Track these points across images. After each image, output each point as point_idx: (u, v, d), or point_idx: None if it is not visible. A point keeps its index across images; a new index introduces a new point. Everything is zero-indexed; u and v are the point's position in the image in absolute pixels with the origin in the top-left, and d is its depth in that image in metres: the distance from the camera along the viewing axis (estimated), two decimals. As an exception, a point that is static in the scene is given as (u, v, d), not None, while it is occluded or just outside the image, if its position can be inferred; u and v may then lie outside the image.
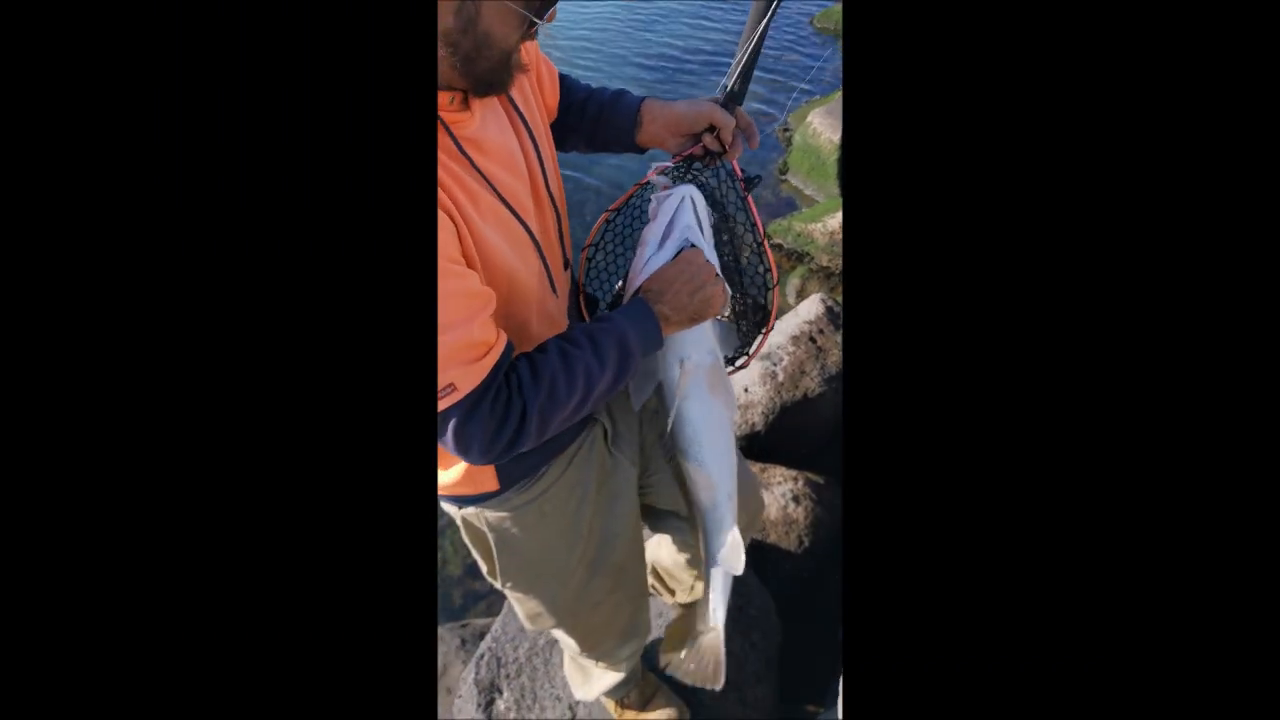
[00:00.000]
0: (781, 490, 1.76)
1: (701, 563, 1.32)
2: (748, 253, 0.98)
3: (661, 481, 1.12)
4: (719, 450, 0.94)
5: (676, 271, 0.81)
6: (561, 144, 1.02)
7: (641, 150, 1.00)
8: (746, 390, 1.91)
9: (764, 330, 0.95)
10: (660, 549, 1.31)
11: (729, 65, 0.94)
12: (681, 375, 0.88)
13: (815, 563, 1.73)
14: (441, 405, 0.65)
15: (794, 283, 2.81)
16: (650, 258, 0.84)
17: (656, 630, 1.52)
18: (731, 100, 0.93)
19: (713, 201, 0.97)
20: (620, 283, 0.94)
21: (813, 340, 2.00)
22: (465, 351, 0.66)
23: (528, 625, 1.09)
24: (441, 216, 0.66)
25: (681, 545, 1.29)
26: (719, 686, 1.09)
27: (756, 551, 1.71)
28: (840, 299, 2.34)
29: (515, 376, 0.71)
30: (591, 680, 1.31)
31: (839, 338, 2.01)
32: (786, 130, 3.83)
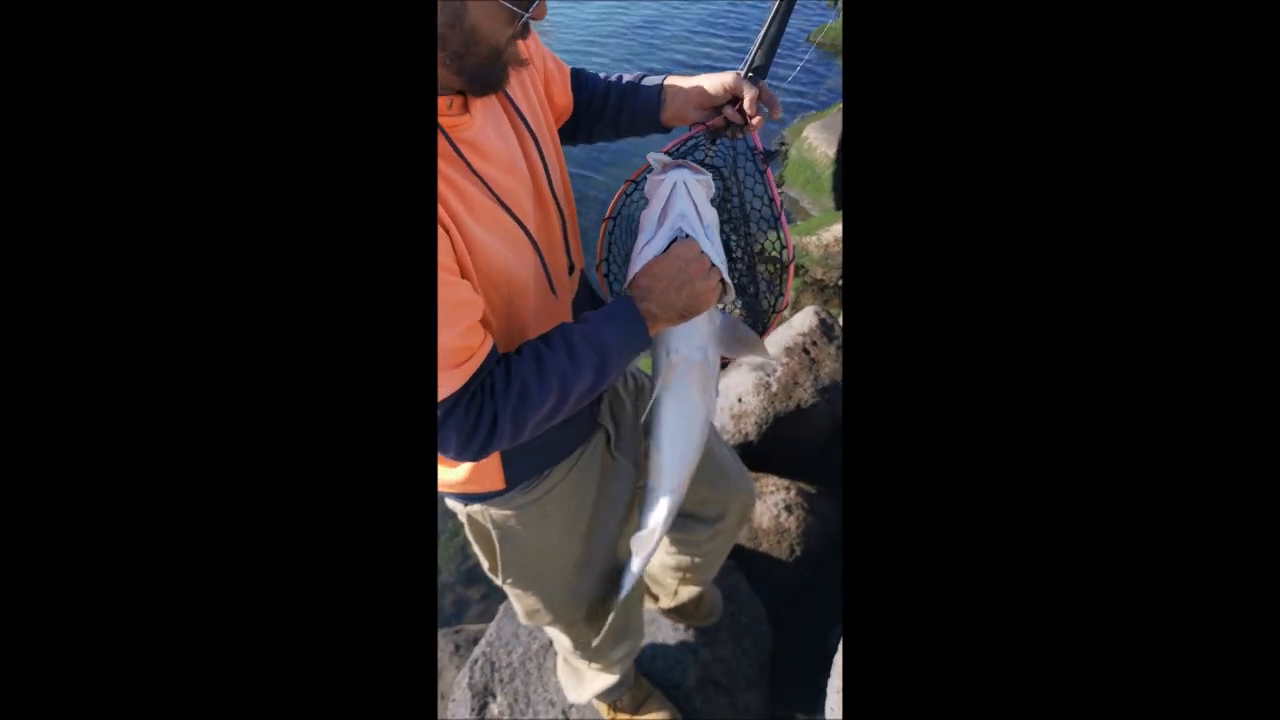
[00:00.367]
0: (774, 499, 1.79)
1: (686, 569, 1.34)
2: (763, 227, 0.93)
3: None
4: (680, 448, 0.92)
5: (664, 267, 0.77)
6: (588, 136, 1.03)
7: (668, 130, 0.99)
8: (740, 400, 1.93)
9: (779, 308, 0.93)
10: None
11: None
12: (667, 367, 0.86)
13: (807, 571, 1.74)
14: None
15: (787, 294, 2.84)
16: (644, 246, 0.80)
17: (650, 635, 1.54)
18: (756, 73, 0.91)
19: (723, 178, 0.95)
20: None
21: (806, 352, 2.03)
22: (445, 358, 0.66)
23: (525, 621, 1.12)
24: (442, 233, 0.67)
25: (668, 551, 1.31)
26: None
27: (749, 559, 1.73)
28: (834, 311, 2.37)
29: (490, 382, 0.72)
30: (584, 683, 1.32)
31: (832, 349, 2.04)
32: (783, 144, 3.88)
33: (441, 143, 0.71)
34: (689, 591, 1.42)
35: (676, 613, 1.54)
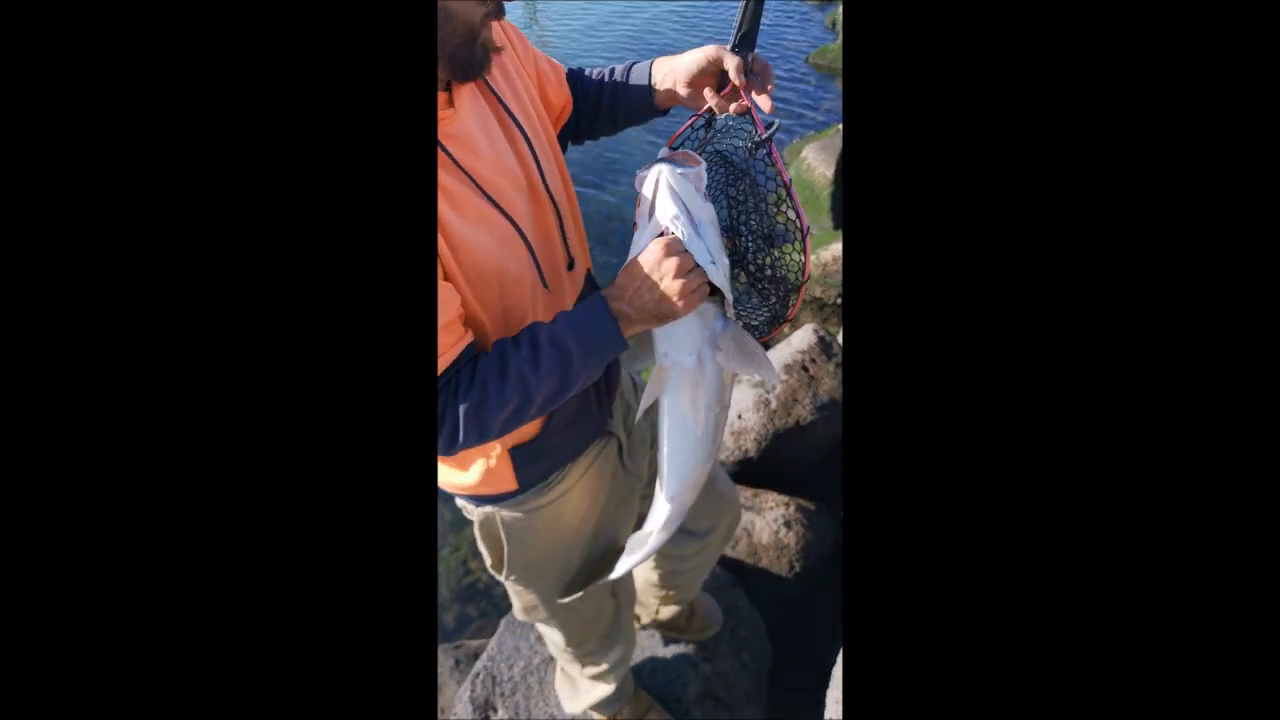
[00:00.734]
0: (773, 515, 1.80)
1: (669, 585, 1.36)
2: (774, 207, 0.87)
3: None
4: (677, 456, 0.90)
5: (638, 266, 0.74)
6: (591, 132, 1.04)
7: (664, 112, 0.99)
8: (740, 417, 1.95)
9: (799, 289, 0.87)
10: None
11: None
12: (657, 371, 0.84)
13: (806, 587, 1.76)
14: None
15: (787, 313, 2.88)
16: (635, 241, 0.77)
17: (650, 649, 1.55)
18: (743, 44, 0.85)
19: (728, 163, 0.91)
20: None
21: (805, 369, 2.05)
22: None
23: (520, 617, 1.15)
24: None
25: (650, 567, 1.33)
26: None
27: (749, 575, 1.75)
28: (833, 329, 2.40)
29: (456, 381, 0.72)
30: (580, 693, 1.34)
31: (831, 367, 2.07)
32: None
33: None
34: (669, 610, 1.44)
35: (672, 628, 1.56)
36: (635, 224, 0.79)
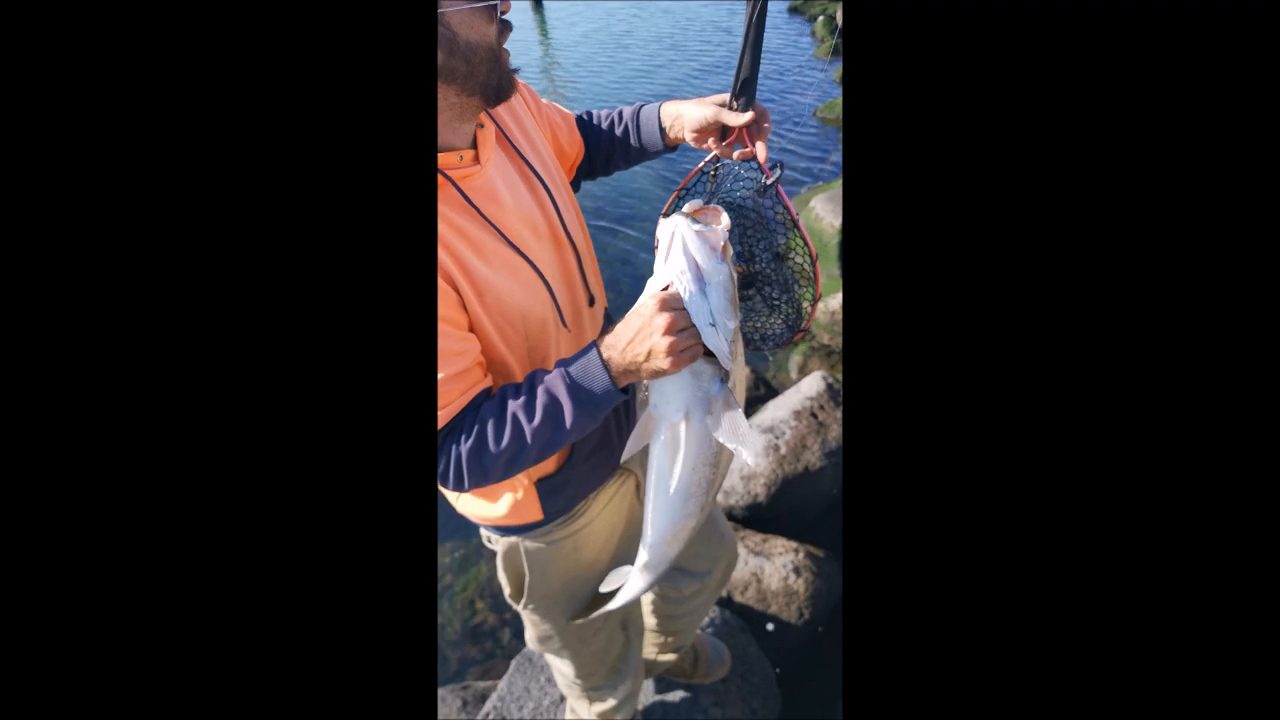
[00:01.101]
0: (783, 561, 1.81)
1: (667, 631, 1.38)
2: (784, 242, 0.89)
3: None
4: (659, 508, 0.89)
5: (633, 317, 0.74)
6: (605, 169, 1.12)
7: (674, 150, 1.05)
8: (749, 462, 1.98)
9: (813, 304, 0.89)
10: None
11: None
12: (643, 420, 0.83)
13: (815, 634, 1.76)
14: None
15: (796, 359, 2.91)
16: (645, 290, 0.78)
17: (661, 693, 1.54)
18: (744, 90, 0.89)
19: (739, 209, 0.94)
20: None
21: (814, 415, 2.08)
22: None
23: (533, 647, 1.18)
24: (442, 284, 0.73)
25: (649, 612, 1.36)
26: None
27: (758, 621, 1.75)
28: (841, 376, 2.43)
29: (461, 425, 0.75)
30: None
31: (839, 414, 2.10)
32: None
33: (453, 193, 0.77)
34: (668, 657, 1.46)
35: (677, 674, 1.58)
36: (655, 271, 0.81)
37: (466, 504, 0.98)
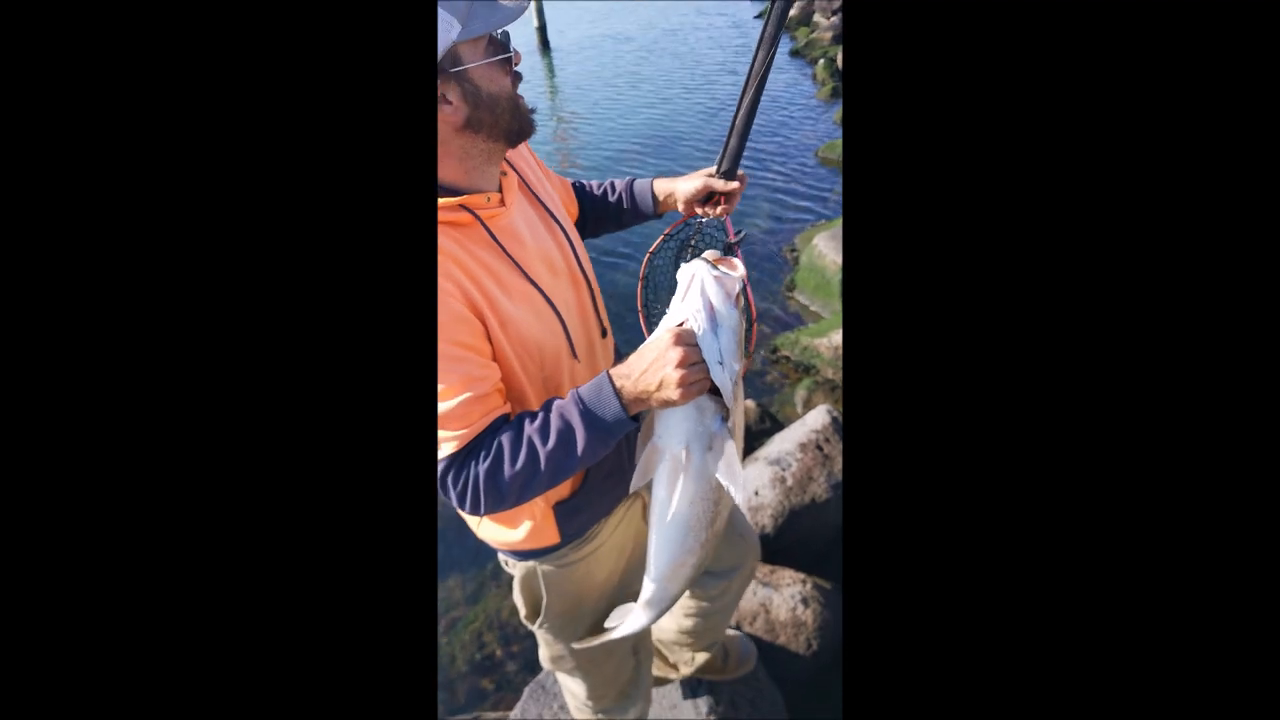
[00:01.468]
0: (790, 592, 1.83)
1: (697, 632, 1.43)
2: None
3: None
4: (661, 541, 0.92)
5: (649, 348, 0.79)
6: (595, 232, 1.24)
7: (660, 217, 1.21)
8: (757, 493, 2.01)
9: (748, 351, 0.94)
10: (663, 620, 1.41)
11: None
12: (647, 451, 0.87)
13: (823, 665, 1.77)
14: None
15: (801, 393, 2.95)
16: (660, 326, 0.83)
17: (662, 713, 1.56)
18: (731, 161, 1.04)
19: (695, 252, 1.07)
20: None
21: (819, 448, 2.12)
22: (446, 421, 0.77)
23: (547, 666, 1.22)
24: (469, 315, 0.79)
25: (677, 615, 1.41)
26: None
27: (767, 651, 1.77)
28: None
29: (479, 447, 0.79)
30: None
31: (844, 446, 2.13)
32: (793, 250, 4.12)
33: (481, 232, 0.85)
34: (703, 657, 1.52)
35: (710, 671, 1.62)
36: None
37: (487, 530, 1.04)
